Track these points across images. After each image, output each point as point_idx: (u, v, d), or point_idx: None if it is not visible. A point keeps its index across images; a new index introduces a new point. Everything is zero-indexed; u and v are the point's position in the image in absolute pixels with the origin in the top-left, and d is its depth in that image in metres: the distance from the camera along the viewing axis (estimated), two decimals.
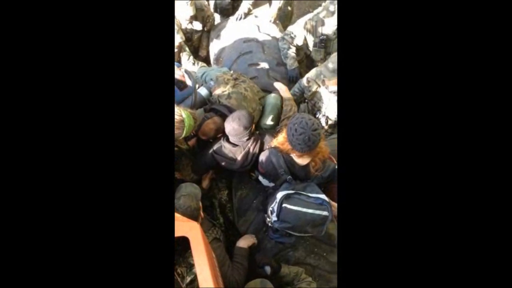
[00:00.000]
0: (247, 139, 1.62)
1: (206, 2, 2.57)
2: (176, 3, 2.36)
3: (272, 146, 1.58)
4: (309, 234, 1.43)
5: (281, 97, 1.93)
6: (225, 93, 1.91)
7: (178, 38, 2.34)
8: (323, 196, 1.40)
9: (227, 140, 1.65)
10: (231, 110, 1.79)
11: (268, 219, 1.50)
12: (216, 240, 1.46)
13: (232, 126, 1.58)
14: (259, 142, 1.66)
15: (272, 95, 1.96)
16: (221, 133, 1.76)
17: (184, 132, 1.62)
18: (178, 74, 1.96)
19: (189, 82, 1.98)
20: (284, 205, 1.37)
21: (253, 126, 1.67)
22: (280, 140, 1.55)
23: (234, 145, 1.64)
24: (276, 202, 1.40)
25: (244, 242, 1.52)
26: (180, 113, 1.62)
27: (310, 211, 1.36)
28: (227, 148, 1.65)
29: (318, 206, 1.37)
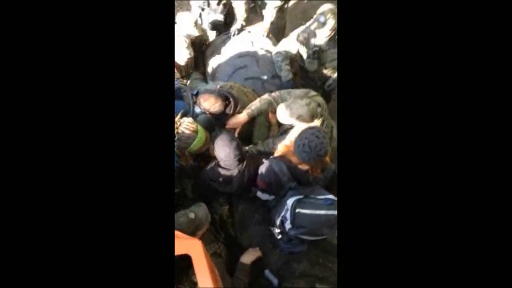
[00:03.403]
0: (239, 162, 1.63)
1: (202, 25, 2.63)
2: (180, 16, 2.43)
3: (271, 157, 1.59)
4: (325, 236, 1.44)
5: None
6: (227, 85, 1.99)
7: (187, 54, 2.34)
8: (331, 196, 1.42)
9: (219, 165, 1.66)
10: (234, 97, 1.83)
11: (277, 231, 1.49)
12: (217, 255, 1.45)
13: (223, 150, 1.60)
14: (252, 163, 1.67)
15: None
16: (213, 112, 1.80)
17: (193, 144, 1.64)
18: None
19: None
20: (297, 210, 1.38)
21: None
22: (281, 149, 1.57)
23: (227, 169, 1.65)
24: (287, 210, 1.40)
25: (247, 257, 1.51)
26: (194, 124, 1.65)
27: (323, 212, 1.37)
28: (221, 173, 1.65)
29: (328, 206, 1.38)
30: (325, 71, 2.39)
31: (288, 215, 1.39)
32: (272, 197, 1.61)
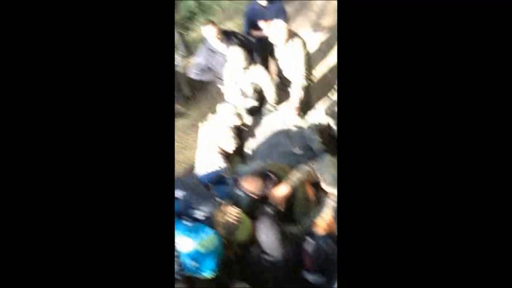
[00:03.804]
0: (282, 245, 1.70)
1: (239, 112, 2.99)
2: (220, 107, 2.77)
3: (318, 234, 1.65)
4: None
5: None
6: (265, 164, 2.18)
7: (234, 144, 2.60)
8: None
9: (262, 250, 1.73)
10: (274, 173, 2.00)
11: None
12: None
13: (265, 235, 1.68)
14: (295, 244, 1.72)
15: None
16: (256, 193, 1.93)
17: (240, 233, 1.74)
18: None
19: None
20: None
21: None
22: (322, 226, 1.63)
23: (271, 254, 1.70)
24: None
25: None
26: (239, 213, 1.78)
27: None
28: (265, 258, 1.71)
29: None
30: None
31: None
32: (323, 278, 1.60)
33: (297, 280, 1.72)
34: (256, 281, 1.74)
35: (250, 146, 2.79)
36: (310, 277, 1.65)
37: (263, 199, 2.05)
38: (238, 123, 2.80)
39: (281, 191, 2.00)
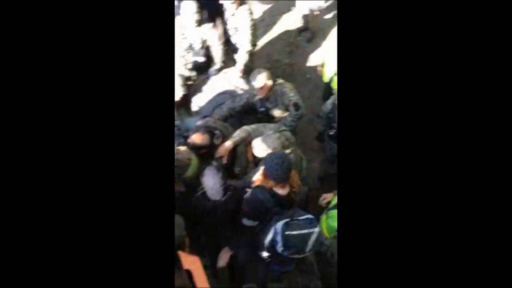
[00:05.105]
0: (224, 192, 1.94)
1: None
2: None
3: (255, 185, 1.90)
4: (309, 252, 1.65)
5: None
6: (211, 120, 2.41)
7: (181, 92, 2.71)
8: (309, 216, 1.68)
9: (205, 196, 1.95)
10: (219, 129, 2.24)
11: (265, 254, 1.73)
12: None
13: (211, 179, 1.91)
14: (235, 194, 1.98)
15: None
16: (203, 145, 2.17)
17: (189, 170, 1.94)
18: None
19: None
20: (286, 232, 1.59)
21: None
22: (257, 180, 1.90)
23: (212, 200, 1.94)
24: (277, 234, 1.61)
25: (222, 261, 1.80)
26: (189, 153, 1.97)
27: (306, 231, 1.60)
28: (205, 205, 1.94)
29: (310, 225, 1.62)
30: None
31: (278, 238, 1.62)
32: (256, 222, 1.87)
33: (234, 225, 1.99)
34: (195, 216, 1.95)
35: (195, 100, 2.87)
36: (246, 221, 1.93)
37: (209, 152, 2.23)
38: (186, 74, 2.80)
39: (225, 147, 2.23)
